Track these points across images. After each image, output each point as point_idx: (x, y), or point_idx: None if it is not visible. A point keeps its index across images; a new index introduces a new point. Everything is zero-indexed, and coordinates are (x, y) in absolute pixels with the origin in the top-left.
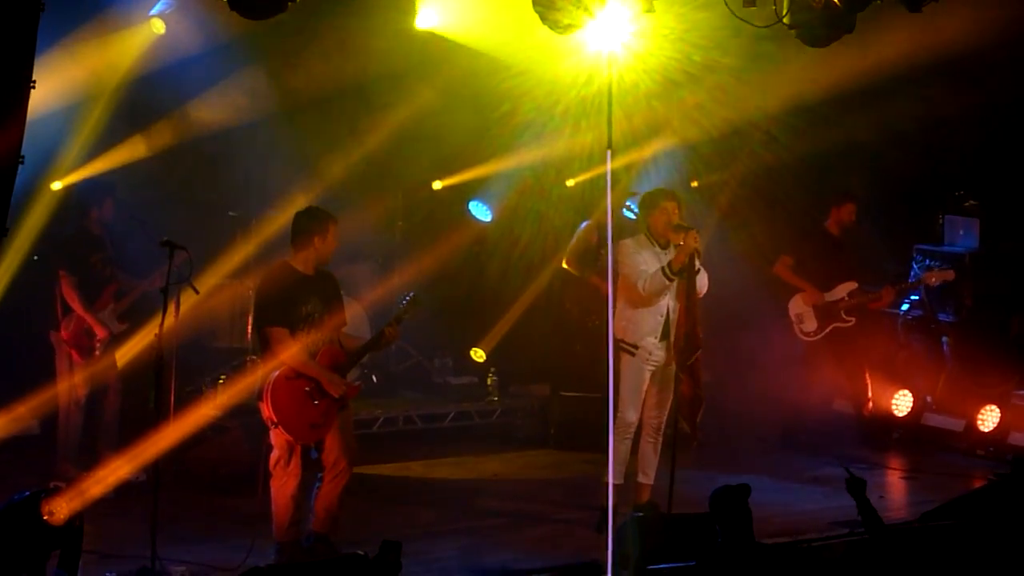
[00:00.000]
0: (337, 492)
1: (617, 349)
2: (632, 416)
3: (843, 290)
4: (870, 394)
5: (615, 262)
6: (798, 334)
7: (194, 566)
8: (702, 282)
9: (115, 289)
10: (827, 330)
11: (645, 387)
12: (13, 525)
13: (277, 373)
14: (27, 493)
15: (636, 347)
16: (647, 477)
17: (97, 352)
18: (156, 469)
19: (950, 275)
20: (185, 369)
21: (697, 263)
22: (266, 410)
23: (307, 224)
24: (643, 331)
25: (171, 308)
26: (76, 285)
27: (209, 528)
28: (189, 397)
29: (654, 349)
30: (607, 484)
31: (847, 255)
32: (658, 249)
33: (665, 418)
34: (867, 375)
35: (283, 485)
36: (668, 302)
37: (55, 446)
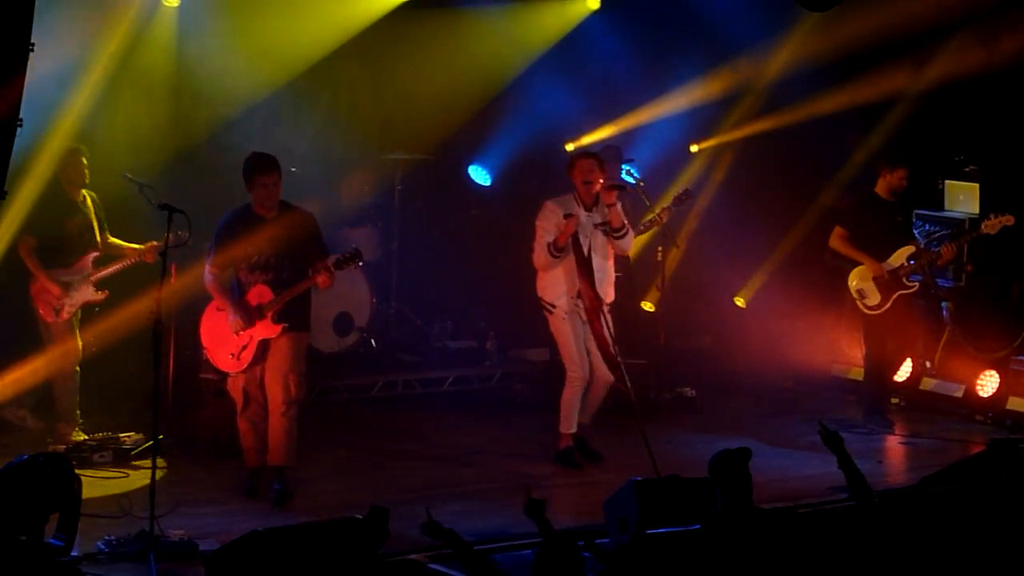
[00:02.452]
0: (276, 425)
1: (541, 308)
2: (578, 370)
3: (902, 255)
4: (908, 365)
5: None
6: (861, 309)
7: (193, 530)
8: (626, 243)
9: (94, 257)
10: (892, 300)
11: (581, 339)
12: (11, 488)
13: (209, 304)
14: (25, 456)
15: (554, 306)
16: (584, 416)
17: (65, 315)
18: (155, 434)
19: (1010, 220)
20: (184, 333)
21: (624, 223)
22: (200, 336)
23: (244, 168)
24: (558, 291)
25: (170, 272)
26: (33, 248)
27: (208, 492)
28: (188, 361)
29: (572, 307)
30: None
31: (900, 217)
32: (582, 210)
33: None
34: (914, 348)
35: (238, 412)
36: (592, 260)
37: (53, 409)
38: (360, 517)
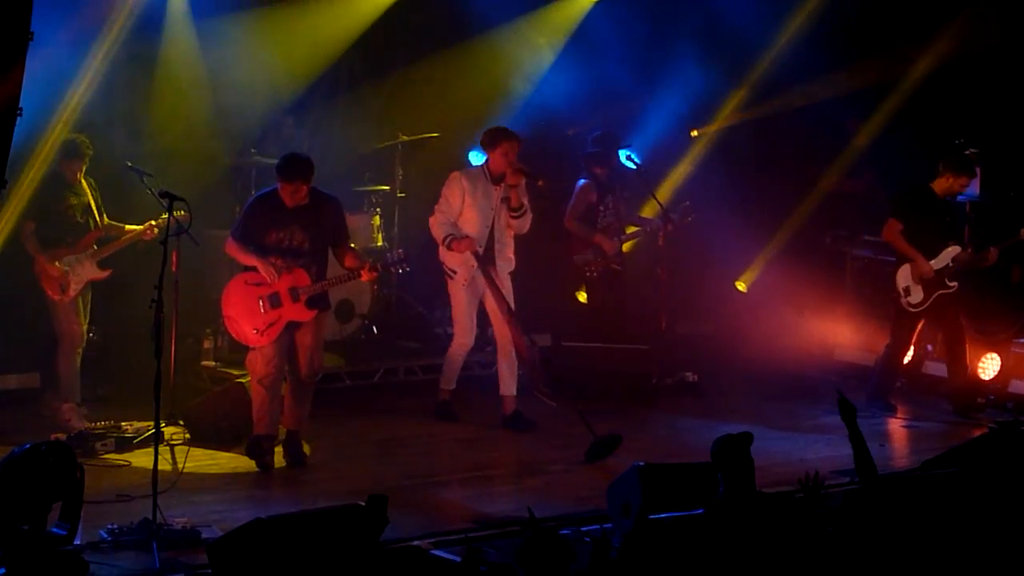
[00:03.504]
0: (298, 393)
1: (443, 274)
2: (466, 336)
3: (947, 256)
4: (967, 361)
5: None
6: (903, 306)
7: (195, 518)
8: (522, 223)
9: (96, 236)
10: (932, 299)
11: (474, 308)
12: (14, 477)
13: (238, 275)
14: (27, 446)
15: (454, 271)
16: (508, 389)
17: (72, 292)
18: (157, 421)
19: None
20: (185, 320)
21: (524, 203)
22: (222, 305)
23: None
24: (460, 257)
25: (171, 259)
26: (33, 231)
27: (210, 480)
28: (189, 349)
29: (471, 274)
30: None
31: (949, 216)
32: (490, 184)
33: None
34: (967, 342)
35: (252, 382)
36: (487, 230)
37: (58, 392)
38: (363, 504)
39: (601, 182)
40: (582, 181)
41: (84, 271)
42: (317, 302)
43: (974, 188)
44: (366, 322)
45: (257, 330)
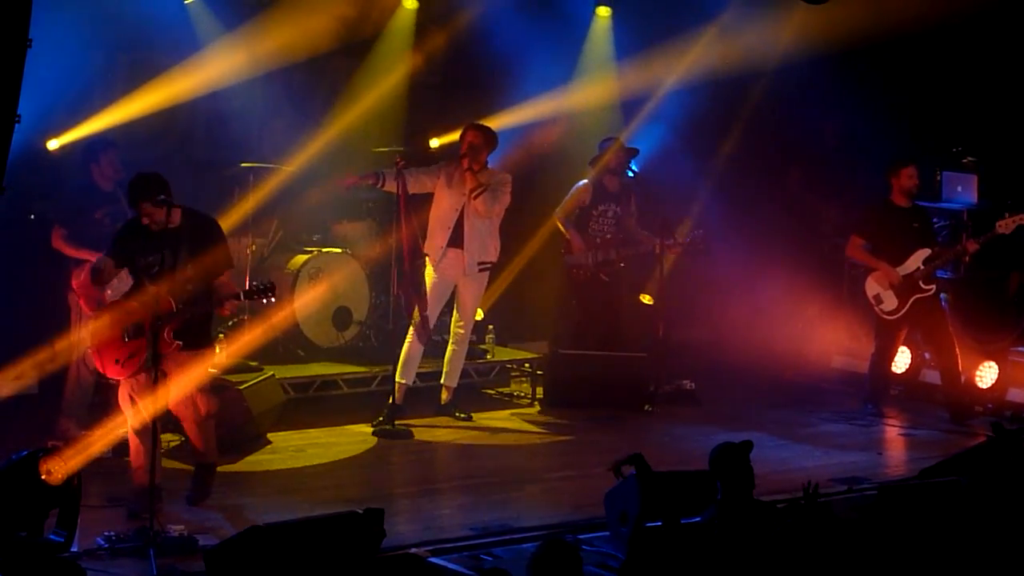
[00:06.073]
0: (194, 434)
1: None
2: (431, 320)
3: (917, 259)
4: (961, 366)
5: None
6: (878, 314)
7: (192, 526)
8: (478, 204)
9: None
10: (908, 304)
11: (445, 294)
12: (11, 484)
13: (108, 304)
14: (25, 452)
15: (426, 254)
16: (452, 380)
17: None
18: (154, 427)
19: (1022, 219)
20: None
21: (477, 185)
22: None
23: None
24: (433, 244)
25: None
26: (66, 237)
27: None
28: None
29: (443, 256)
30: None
31: (917, 223)
32: (458, 174)
33: (469, 328)
34: (956, 345)
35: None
36: (456, 217)
37: (59, 403)
38: (360, 512)
39: (605, 190)
40: (583, 182)
41: (120, 285)
42: (183, 334)
43: (971, 195)
44: (363, 329)
45: (118, 360)
